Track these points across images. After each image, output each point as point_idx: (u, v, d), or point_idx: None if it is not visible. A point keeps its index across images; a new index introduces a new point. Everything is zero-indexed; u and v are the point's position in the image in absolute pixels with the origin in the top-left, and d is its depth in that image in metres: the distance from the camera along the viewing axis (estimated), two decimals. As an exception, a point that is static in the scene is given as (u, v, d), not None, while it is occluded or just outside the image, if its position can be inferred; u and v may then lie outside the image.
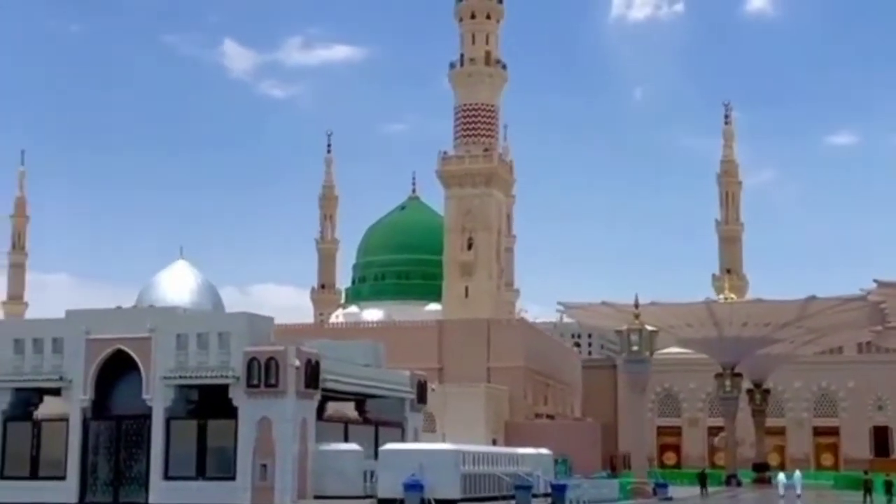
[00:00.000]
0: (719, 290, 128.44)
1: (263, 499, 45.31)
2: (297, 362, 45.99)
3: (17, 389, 49.44)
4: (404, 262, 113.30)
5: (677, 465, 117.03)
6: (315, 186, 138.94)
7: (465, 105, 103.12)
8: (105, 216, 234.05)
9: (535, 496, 46.71)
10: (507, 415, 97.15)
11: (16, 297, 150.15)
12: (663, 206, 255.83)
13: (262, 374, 45.98)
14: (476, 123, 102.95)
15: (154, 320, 48.28)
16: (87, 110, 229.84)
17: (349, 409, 55.39)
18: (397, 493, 43.16)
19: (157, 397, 47.32)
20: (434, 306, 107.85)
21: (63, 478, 47.87)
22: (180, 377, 47.17)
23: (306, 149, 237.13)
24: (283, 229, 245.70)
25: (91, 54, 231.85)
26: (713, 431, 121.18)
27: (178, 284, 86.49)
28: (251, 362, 46.15)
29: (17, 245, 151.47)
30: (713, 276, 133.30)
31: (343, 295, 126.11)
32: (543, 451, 55.16)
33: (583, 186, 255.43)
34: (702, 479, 77.11)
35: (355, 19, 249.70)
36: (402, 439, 54.73)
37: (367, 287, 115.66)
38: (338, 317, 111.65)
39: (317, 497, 46.46)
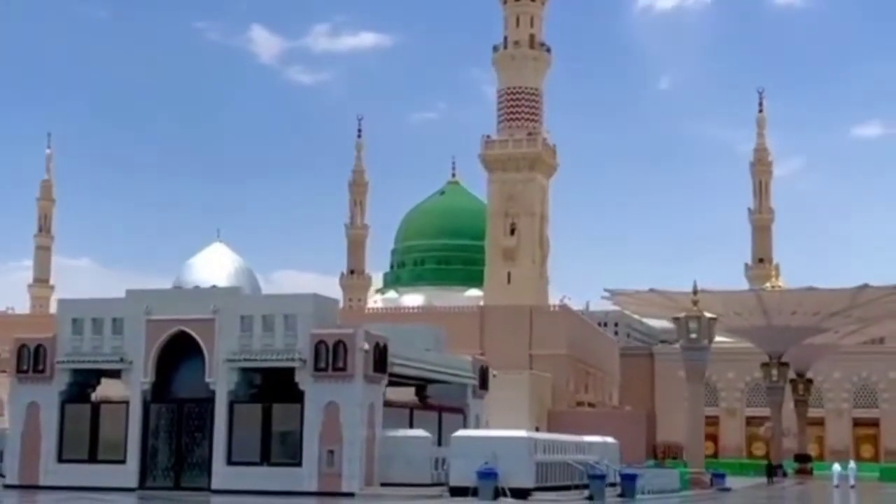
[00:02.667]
0: (753, 280, 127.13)
1: (330, 485, 44.16)
2: (367, 345, 44.77)
3: (76, 371, 48.27)
4: (444, 248, 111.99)
5: (714, 455, 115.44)
6: (339, 173, 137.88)
7: (508, 88, 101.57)
8: (128, 203, 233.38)
9: (605, 485, 45.36)
10: (549, 403, 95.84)
11: (42, 280, 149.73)
12: (687, 194, 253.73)
13: (330, 357, 44.81)
14: (520, 107, 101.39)
15: (218, 301, 47.08)
16: (115, 95, 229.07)
17: (403, 394, 54.05)
18: (470, 481, 41.85)
19: (221, 380, 46.14)
20: (474, 292, 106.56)
21: (123, 461, 46.72)
22: (245, 360, 45.99)
23: (331, 135, 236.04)
24: (304, 216, 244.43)
25: (120, 40, 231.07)
26: (751, 421, 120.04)
27: (215, 267, 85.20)
28: (318, 345, 45.00)
29: (44, 228, 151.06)
30: (746, 265, 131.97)
31: (380, 280, 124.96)
32: (609, 439, 53.83)
33: (606, 174, 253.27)
34: (769, 470, 75.89)
35: (382, 7, 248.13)
36: (465, 426, 53.43)
37: (406, 272, 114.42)
38: (376, 302, 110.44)
39: (384, 484, 45.21)
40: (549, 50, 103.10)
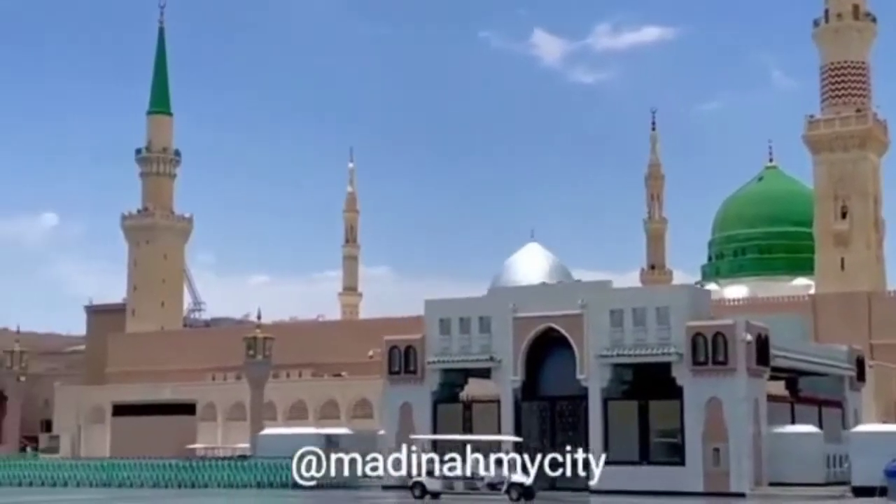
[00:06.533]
0: None
1: (717, 485, 42.06)
2: (749, 337, 42.32)
3: (446, 371, 48.26)
4: (765, 236, 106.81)
5: None
6: (626, 170, 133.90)
7: (832, 63, 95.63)
8: (421, 212, 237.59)
9: None
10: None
11: (350, 288, 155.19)
12: None
13: (710, 350, 42.66)
14: (845, 83, 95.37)
15: (585, 296, 45.83)
16: (410, 107, 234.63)
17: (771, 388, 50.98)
18: (876, 480, 38.70)
19: (593, 377, 44.90)
20: (801, 281, 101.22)
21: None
22: (617, 355, 44.51)
23: (617, 133, 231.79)
24: (591, 214, 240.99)
25: (407, 54, 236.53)
26: None
27: (531, 267, 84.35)
28: (696, 338, 42.97)
29: (350, 239, 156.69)
30: None
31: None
32: None
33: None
34: None
35: (663, 1, 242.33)
36: (843, 420, 50.08)
37: (725, 263, 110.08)
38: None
39: (772, 484, 42.64)
40: (874, 20, 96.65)
